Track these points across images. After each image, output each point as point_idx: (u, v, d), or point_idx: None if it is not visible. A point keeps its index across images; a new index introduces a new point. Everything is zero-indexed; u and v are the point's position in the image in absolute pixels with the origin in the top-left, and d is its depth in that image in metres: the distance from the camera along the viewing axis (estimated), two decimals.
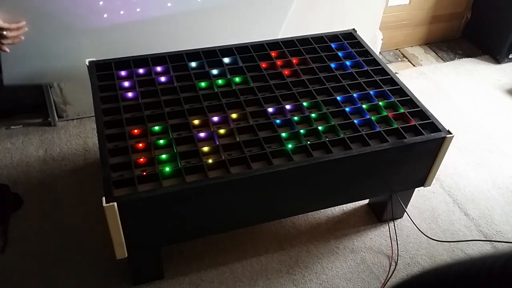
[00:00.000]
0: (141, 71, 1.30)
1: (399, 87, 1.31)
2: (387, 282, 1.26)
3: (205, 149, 1.10)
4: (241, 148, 1.10)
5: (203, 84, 1.28)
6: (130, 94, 1.22)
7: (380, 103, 1.25)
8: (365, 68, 1.37)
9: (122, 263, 1.15)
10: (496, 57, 2.18)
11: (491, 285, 0.48)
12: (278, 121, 1.18)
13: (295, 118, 1.19)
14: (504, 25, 2.11)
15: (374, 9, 1.88)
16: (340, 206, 1.44)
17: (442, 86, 2.01)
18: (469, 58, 2.20)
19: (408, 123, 1.21)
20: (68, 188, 1.43)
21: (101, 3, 1.22)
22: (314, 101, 1.25)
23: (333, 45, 1.45)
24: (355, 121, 1.19)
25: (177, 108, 1.20)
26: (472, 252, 1.34)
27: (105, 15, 1.23)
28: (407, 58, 2.18)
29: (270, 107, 1.22)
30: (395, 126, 1.19)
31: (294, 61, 1.38)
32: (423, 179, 1.27)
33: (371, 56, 1.42)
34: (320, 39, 1.47)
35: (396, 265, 1.30)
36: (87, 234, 1.31)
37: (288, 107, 1.22)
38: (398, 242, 1.36)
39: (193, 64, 1.34)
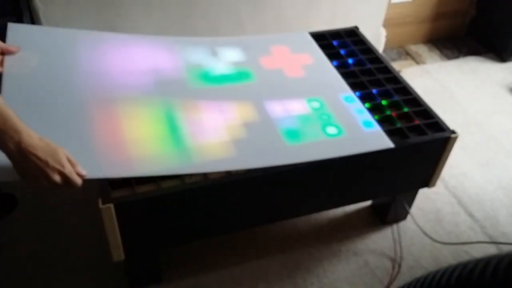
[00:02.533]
0: None
1: (402, 85, 1.29)
2: (390, 286, 1.24)
3: None
4: None
5: None
6: None
7: (383, 102, 1.23)
8: (368, 66, 1.34)
9: (119, 266, 1.13)
10: (501, 55, 2.15)
11: (494, 287, 0.47)
12: None
13: None
14: (510, 22, 2.08)
15: (377, 6, 1.86)
16: (342, 207, 1.41)
17: (447, 85, 1.98)
18: (473, 56, 2.17)
19: (412, 122, 1.18)
20: (64, 189, 1.40)
21: None
22: None
23: (334, 43, 1.42)
24: None
25: None
26: (477, 254, 1.32)
27: None
28: (410, 56, 2.15)
29: None
30: (399, 125, 1.16)
31: None
32: (427, 180, 1.25)
33: (374, 54, 1.39)
34: (322, 36, 1.44)
35: (399, 268, 1.28)
36: (84, 236, 1.29)
37: None
38: (402, 245, 1.33)
39: None
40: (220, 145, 1.03)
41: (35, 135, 0.83)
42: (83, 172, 0.89)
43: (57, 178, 0.84)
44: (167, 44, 1.28)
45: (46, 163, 0.82)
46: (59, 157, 0.84)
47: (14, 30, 1.14)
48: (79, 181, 0.88)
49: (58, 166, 0.84)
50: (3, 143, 0.80)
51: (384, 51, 2.11)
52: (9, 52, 1.06)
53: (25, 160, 0.81)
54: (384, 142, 1.10)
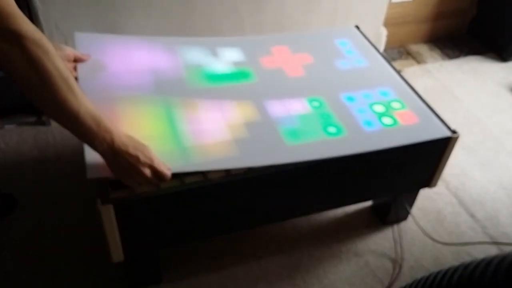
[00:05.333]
0: None
1: None
2: (391, 286, 1.23)
3: None
4: None
5: None
6: None
7: None
8: None
9: (119, 266, 1.12)
10: (502, 55, 2.14)
11: (495, 287, 0.47)
12: None
13: None
14: (510, 22, 2.07)
15: (377, 5, 1.85)
16: (342, 208, 1.41)
17: (447, 84, 1.97)
18: (474, 56, 2.16)
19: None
20: (63, 189, 1.40)
21: None
22: None
23: None
24: None
25: None
26: (478, 255, 1.31)
27: None
28: (411, 56, 2.15)
29: None
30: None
31: None
32: (428, 180, 1.24)
33: None
34: None
35: (400, 268, 1.27)
36: (83, 237, 1.28)
37: None
38: (403, 245, 1.32)
39: None
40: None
41: (123, 133, 0.87)
42: (168, 166, 0.91)
43: (147, 172, 0.88)
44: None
45: (137, 159, 0.86)
46: (148, 152, 0.88)
47: (81, 38, 1.22)
48: (168, 173, 0.91)
49: (148, 161, 0.87)
50: (97, 144, 0.84)
51: (385, 50, 2.11)
52: (81, 60, 1.13)
53: (118, 158, 0.85)
54: (442, 130, 1.14)
